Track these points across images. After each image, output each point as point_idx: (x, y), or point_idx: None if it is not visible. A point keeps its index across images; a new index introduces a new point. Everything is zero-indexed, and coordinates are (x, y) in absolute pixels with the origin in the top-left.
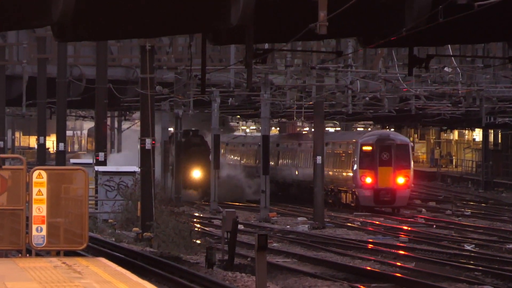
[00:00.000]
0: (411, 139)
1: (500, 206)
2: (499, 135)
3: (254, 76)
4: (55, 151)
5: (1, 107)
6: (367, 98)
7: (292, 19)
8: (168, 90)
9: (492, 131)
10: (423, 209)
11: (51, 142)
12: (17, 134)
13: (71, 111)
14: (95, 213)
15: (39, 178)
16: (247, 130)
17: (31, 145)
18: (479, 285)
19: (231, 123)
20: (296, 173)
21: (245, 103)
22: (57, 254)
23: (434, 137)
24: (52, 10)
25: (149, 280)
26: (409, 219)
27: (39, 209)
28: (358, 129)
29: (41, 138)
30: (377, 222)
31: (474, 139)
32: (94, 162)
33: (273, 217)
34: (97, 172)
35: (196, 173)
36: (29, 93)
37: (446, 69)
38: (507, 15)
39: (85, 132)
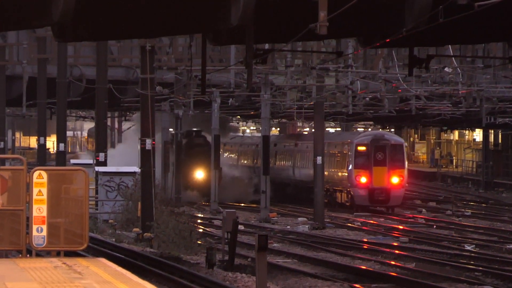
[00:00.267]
0: (412, 139)
1: (501, 206)
2: (500, 135)
3: (254, 77)
4: (55, 152)
5: (1, 108)
6: (367, 99)
7: (292, 19)
8: (168, 91)
9: (492, 131)
10: (423, 210)
11: (51, 143)
12: (17, 135)
13: (71, 111)
14: (96, 213)
15: (40, 178)
16: (247, 131)
17: (32, 146)
18: (479, 285)
19: (233, 124)
20: (293, 173)
21: (245, 104)
22: (57, 254)
23: (434, 137)
24: (52, 10)
25: (150, 280)
26: (409, 220)
27: (40, 210)
28: (358, 129)
29: (41, 138)
30: (377, 223)
31: (474, 139)
32: (95, 162)
33: (273, 217)
34: (97, 173)
35: (199, 174)
36: (29, 94)
37: (446, 69)
38: (507, 15)
39: (85, 132)
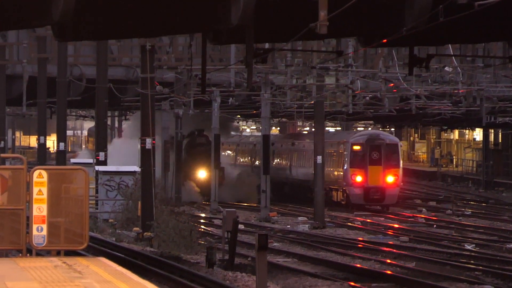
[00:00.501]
0: (412, 138)
1: (501, 205)
2: (500, 135)
3: (255, 76)
4: (55, 151)
5: (2, 107)
6: (367, 98)
7: (293, 19)
8: (169, 90)
9: (492, 130)
10: (424, 209)
11: (51, 142)
12: (17, 134)
13: (71, 110)
14: (96, 212)
15: (40, 177)
16: (247, 130)
17: (32, 145)
18: (479, 284)
19: (234, 123)
20: (290, 172)
21: (246, 103)
22: (58, 253)
23: (434, 137)
24: (53, 9)
25: (150, 279)
26: (410, 219)
27: (40, 209)
28: (358, 128)
29: (42, 137)
30: (377, 222)
31: (474, 139)
32: (95, 161)
33: (274, 216)
34: (97, 172)
35: (202, 173)
36: (30, 93)
37: (446, 68)
38: (507, 15)
39: (85, 132)
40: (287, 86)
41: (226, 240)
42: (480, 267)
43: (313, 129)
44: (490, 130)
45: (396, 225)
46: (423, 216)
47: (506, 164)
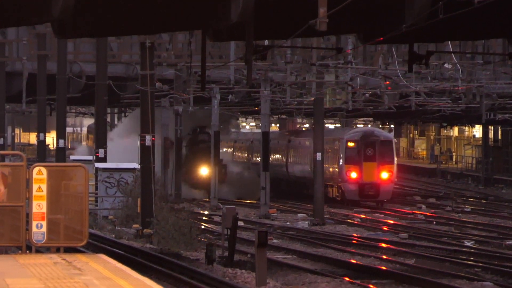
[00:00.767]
0: (411, 135)
1: (500, 202)
2: (499, 132)
3: (254, 73)
4: (55, 148)
5: (1, 104)
6: (367, 95)
7: (292, 16)
8: (168, 87)
9: (492, 127)
10: (423, 206)
11: (51, 139)
12: (17, 131)
13: (71, 107)
14: (95, 209)
15: (39, 174)
16: (247, 127)
17: (31, 142)
18: (479, 281)
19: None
20: (286, 169)
21: (245, 100)
22: (57, 250)
23: (434, 134)
24: (52, 6)
25: (149, 276)
26: (409, 216)
27: (39, 206)
28: (358, 125)
29: (41, 134)
30: (377, 219)
31: (474, 136)
32: (94, 158)
33: (273, 213)
34: (97, 169)
35: (204, 170)
36: (29, 90)
37: (446, 65)
38: (507, 12)
39: (85, 128)
40: (287, 83)
41: (226, 237)
42: (480, 264)
43: (312, 126)
44: (489, 127)
45: (395, 222)
46: (422, 213)
47: (506, 161)
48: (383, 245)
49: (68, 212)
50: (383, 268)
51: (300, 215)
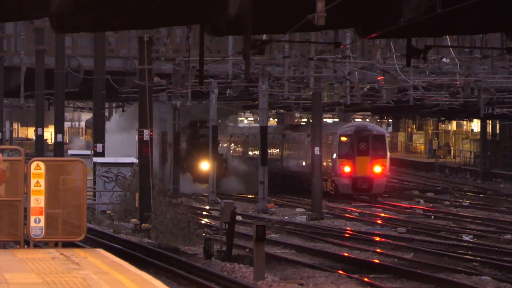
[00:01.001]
0: (409, 129)
1: (498, 196)
2: (497, 126)
3: (252, 67)
4: (53, 142)
5: None
6: (365, 89)
7: (290, 10)
8: (166, 81)
9: (490, 121)
10: (421, 200)
11: (49, 133)
12: (15, 126)
13: (69, 102)
14: (93, 204)
15: (37, 169)
16: (245, 121)
17: (29, 137)
18: (477, 275)
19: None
20: (281, 163)
21: (243, 94)
22: (55, 245)
23: (432, 128)
24: (51, 1)
25: (147, 271)
26: (407, 210)
27: (37, 200)
28: (356, 119)
29: (39, 129)
30: (375, 213)
31: (472, 130)
32: (92, 153)
33: (271, 208)
34: (95, 163)
35: (205, 165)
36: (27, 84)
37: (444, 60)
38: (505, 6)
39: (83, 123)
40: (285, 78)
41: (224, 231)
42: (478, 258)
43: (310, 120)
44: (487, 121)
45: (393, 216)
46: (420, 207)
47: (504, 155)
48: (381, 239)
49: (66, 206)
50: (381, 262)
51: (298, 209)
